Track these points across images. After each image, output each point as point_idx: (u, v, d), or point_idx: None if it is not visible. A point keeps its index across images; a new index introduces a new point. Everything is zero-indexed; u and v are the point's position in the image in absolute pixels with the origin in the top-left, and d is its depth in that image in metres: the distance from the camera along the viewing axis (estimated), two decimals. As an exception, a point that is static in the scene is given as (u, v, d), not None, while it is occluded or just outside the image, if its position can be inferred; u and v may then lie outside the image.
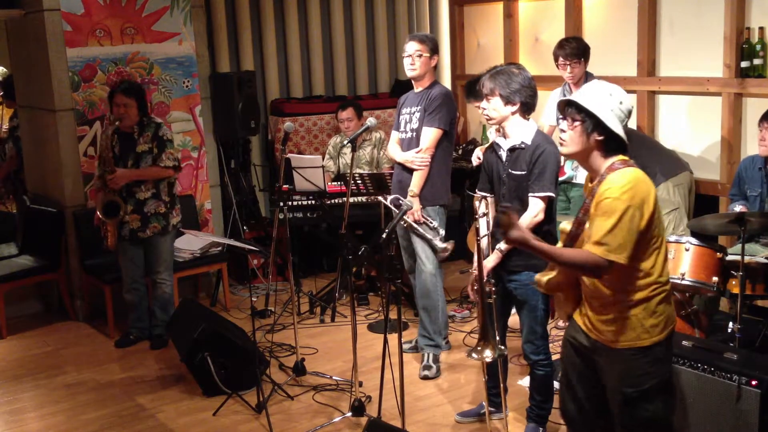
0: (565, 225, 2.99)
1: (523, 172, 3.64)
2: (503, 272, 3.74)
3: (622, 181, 2.73)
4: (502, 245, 3.64)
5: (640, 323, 2.85)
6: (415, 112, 4.64)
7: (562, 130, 2.89)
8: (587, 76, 5.11)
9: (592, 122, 2.81)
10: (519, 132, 3.67)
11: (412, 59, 4.56)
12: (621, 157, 2.83)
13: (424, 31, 4.60)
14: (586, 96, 2.86)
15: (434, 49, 4.60)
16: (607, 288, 2.87)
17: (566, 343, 3.11)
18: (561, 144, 2.92)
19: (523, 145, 3.66)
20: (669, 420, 2.96)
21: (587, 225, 2.85)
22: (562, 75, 5.16)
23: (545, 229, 3.65)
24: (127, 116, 5.07)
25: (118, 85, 5.23)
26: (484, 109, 3.72)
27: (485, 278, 3.64)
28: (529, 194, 3.62)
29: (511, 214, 2.74)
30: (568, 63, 5.06)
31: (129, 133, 5.12)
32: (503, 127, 3.70)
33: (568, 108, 2.88)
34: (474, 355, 3.41)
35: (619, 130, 2.81)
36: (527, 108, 3.67)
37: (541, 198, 3.61)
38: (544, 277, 3.03)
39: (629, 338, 2.87)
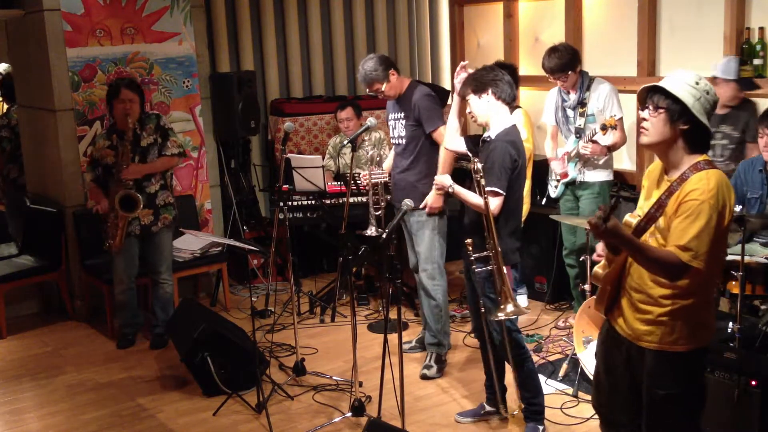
0: (630, 219, 2.92)
1: (481, 165, 3.70)
2: (470, 265, 3.80)
3: (710, 184, 2.63)
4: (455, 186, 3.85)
5: (681, 328, 2.76)
6: (399, 119, 4.68)
7: (644, 119, 2.76)
8: (583, 76, 5.08)
9: (678, 110, 2.69)
10: (494, 125, 3.78)
11: (381, 95, 4.66)
12: (705, 157, 2.73)
13: (372, 54, 4.56)
14: (673, 82, 2.73)
15: (385, 74, 4.56)
16: (660, 286, 2.77)
17: (602, 334, 3.06)
18: (641, 133, 2.80)
19: (488, 139, 3.78)
20: (694, 428, 2.89)
21: (660, 222, 2.75)
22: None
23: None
24: (132, 111, 5.05)
25: (119, 81, 5.20)
26: (470, 112, 3.84)
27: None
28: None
29: (605, 208, 2.65)
30: (555, 78, 5.04)
31: (128, 129, 5.08)
32: (487, 121, 3.82)
33: (652, 94, 2.75)
34: (500, 314, 3.56)
35: (705, 121, 2.70)
36: (503, 94, 3.75)
37: (490, 192, 3.65)
38: (604, 271, 2.96)
39: (667, 341, 2.78)
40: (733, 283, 4.14)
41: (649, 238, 2.79)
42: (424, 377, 4.65)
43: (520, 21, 6.64)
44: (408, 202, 3.79)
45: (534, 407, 3.91)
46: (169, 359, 5.10)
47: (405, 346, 4.82)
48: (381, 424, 3.45)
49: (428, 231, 4.63)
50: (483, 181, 3.60)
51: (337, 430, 4.12)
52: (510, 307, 3.56)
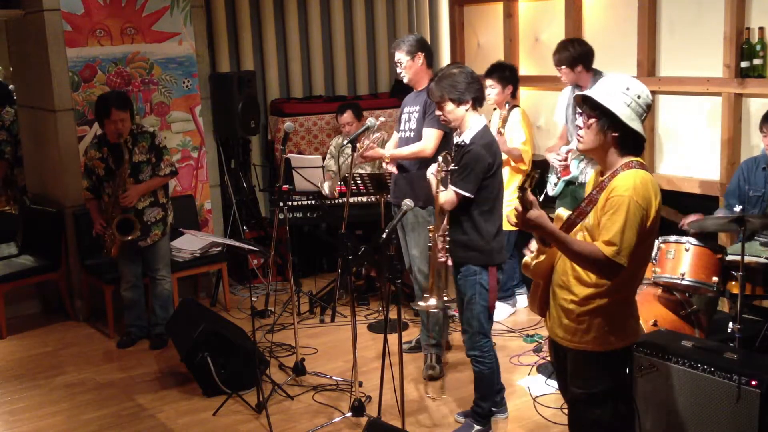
0: (562, 212, 2.94)
1: (455, 166, 3.74)
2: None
3: (635, 182, 2.68)
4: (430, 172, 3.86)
5: (601, 327, 2.81)
6: (414, 112, 4.67)
7: (579, 127, 2.82)
8: (596, 74, 4.97)
9: (607, 119, 2.72)
10: (468, 130, 3.82)
11: (399, 68, 4.69)
12: (638, 159, 2.77)
13: (415, 33, 4.69)
14: (602, 91, 2.75)
15: (412, 50, 4.63)
16: (582, 283, 2.82)
17: None
18: (578, 140, 2.87)
19: (463, 143, 3.81)
20: (617, 428, 2.94)
21: (589, 217, 2.79)
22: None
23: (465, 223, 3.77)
24: (123, 130, 5.02)
25: (107, 99, 5.06)
26: (444, 117, 3.86)
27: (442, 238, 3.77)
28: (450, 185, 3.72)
29: (531, 196, 2.65)
30: (558, 68, 5.00)
31: (119, 144, 5.05)
32: (460, 126, 3.85)
33: (583, 104, 2.79)
34: (421, 303, 3.64)
35: (636, 126, 2.72)
36: (478, 101, 3.83)
37: (455, 192, 3.69)
38: (533, 261, 2.99)
39: (585, 340, 2.85)
40: (733, 283, 4.14)
41: (579, 233, 2.82)
42: (430, 378, 4.64)
43: (520, 21, 6.64)
44: (408, 203, 3.79)
45: (476, 407, 3.96)
46: (169, 359, 5.11)
47: (405, 346, 4.82)
48: (381, 424, 3.45)
49: (424, 231, 4.62)
50: (448, 176, 3.68)
51: (337, 430, 4.12)
52: (432, 301, 3.60)
